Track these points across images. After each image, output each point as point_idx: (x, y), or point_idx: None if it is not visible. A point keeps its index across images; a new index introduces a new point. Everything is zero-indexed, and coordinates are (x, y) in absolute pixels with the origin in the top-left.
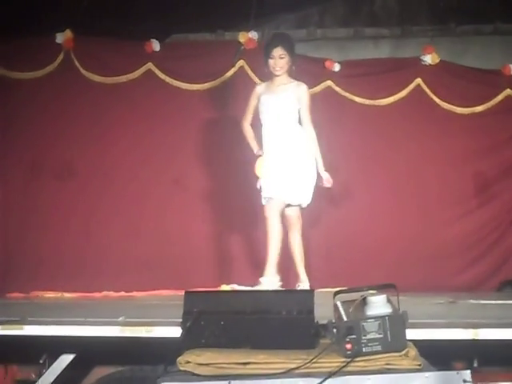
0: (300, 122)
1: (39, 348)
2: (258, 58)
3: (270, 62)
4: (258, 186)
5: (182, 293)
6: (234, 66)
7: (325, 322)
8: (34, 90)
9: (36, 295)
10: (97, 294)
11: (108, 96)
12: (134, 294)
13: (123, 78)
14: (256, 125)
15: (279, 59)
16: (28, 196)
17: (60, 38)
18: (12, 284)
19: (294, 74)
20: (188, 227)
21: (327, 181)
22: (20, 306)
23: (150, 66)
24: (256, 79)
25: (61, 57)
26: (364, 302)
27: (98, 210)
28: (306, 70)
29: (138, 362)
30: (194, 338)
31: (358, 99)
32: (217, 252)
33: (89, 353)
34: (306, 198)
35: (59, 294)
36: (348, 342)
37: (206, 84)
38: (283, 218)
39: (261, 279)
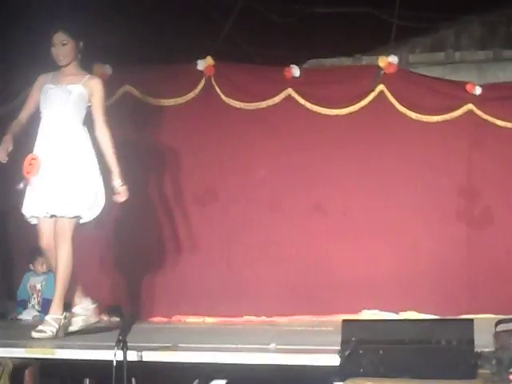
0: (84, 123)
1: (191, 374)
2: (398, 82)
3: (53, 50)
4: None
5: (323, 318)
6: (373, 90)
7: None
8: (175, 116)
9: (178, 320)
10: (238, 319)
11: (248, 122)
12: (275, 319)
13: (263, 104)
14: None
15: (61, 46)
16: (170, 222)
17: (201, 64)
18: (155, 309)
19: (85, 64)
20: (328, 252)
21: (120, 195)
22: (165, 331)
23: (289, 91)
24: (397, 104)
25: (202, 83)
26: None
27: (239, 235)
28: (445, 94)
29: None
30: (352, 367)
31: (499, 122)
32: (357, 277)
33: (240, 380)
34: (71, 210)
35: (201, 319)
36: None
37: (345, 109)
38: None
39: None
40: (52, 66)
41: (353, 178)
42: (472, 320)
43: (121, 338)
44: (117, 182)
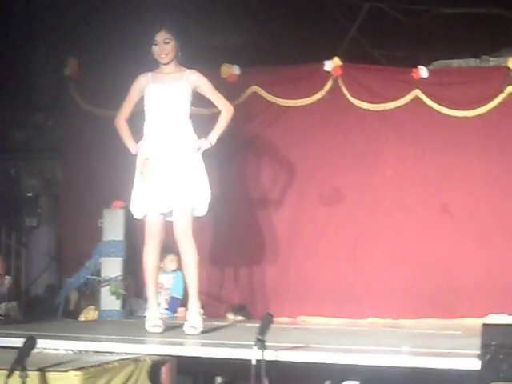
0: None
1: (322, 374)
2: None
3: (154, 48)
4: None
5: (449, 321)
6: (502, 91)
7: None
8: (302, 117)
9: (303, 320)
10: (363, 321)
11: (375, 123)
12: (401, 321)
13: (391, 105)
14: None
15: (164, 44)
16: (296, 221)
17: (328, 65)
18: (279, 309)
19: (183, 60)
20: (455, 254)
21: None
22: (292, 332)
23: (417, 92)
24: None
25: (329, 84)
26: None
27: (364, 236)
28: None
29: None
30: (492, 372)
31: None
32: (484, 280)
33: (373, 381)
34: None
35: (326, 320)
36: None
37: (474, 111)
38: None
39: None
40: (150, 65)
41: (480, 180)
42: None
43: (260, 337)
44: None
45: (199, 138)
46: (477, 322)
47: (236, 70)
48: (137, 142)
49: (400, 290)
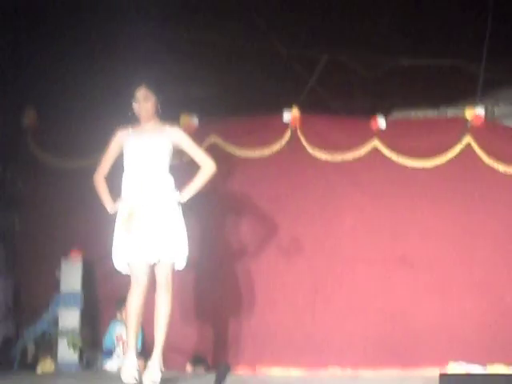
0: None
1: None
2: (485, 134)
3: (135, 105)
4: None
5: (409, 372)
6: (460, 142)
7: None
8: (260, 167)
9: (263, 372)
10: (323, 371)
11: (334, 173)
12: (360, 371)
13: (349, 156)
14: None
15: (144, 102)
16: (256, 272)
17: (287, 116)
18: (239, 359)
19: (160, 115)
20: (414, 304)
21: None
22: (250, 383)
23: (376, 143)
24: (484, 157)
25: (288, 135)
26: None
27: (323, 287)
28: None
29: None
30: None
31: None
32: (443, 329)
33: None
34: (176, 257)
35: (286, 370)
36: None
37: (432, 161)
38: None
39: None
40: (129, 120)
41: (439, 231)
42: None
43: None
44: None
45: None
46: (437, 373)
47: (194, 120)
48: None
49: (359, 339)
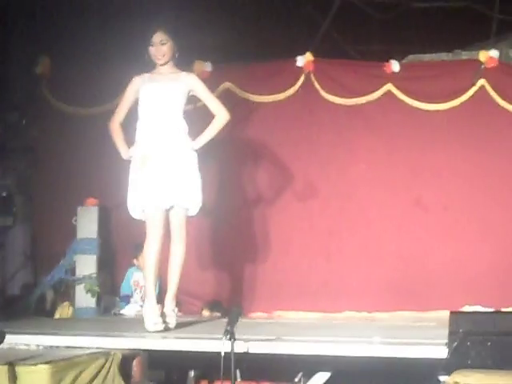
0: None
1: (295, 366)
2: (499, 76)
3: (151, 49)
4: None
5: (424, 314)
6: (474, 85)
7: None
8: (275, 112)
9: (279, 315)
10: (338, 315)
11: (348, 117)
12: (376, 314)
13: (363, 100)
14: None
15: (160, 45)
16: (270, 217)
17: (301, 61)
18: (255, 304)
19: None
20: (429, 248)
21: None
22: (267, 326)
23: (389, 86)
24: (499, 99)
25: (301, 80)
26: None
27: (338, 231)
28: None
29: (393, 381)
30: (460, 359)
31: None
32: (458, 273)
33: (344, 372)
34: (192, 203)
35: (302, 314)
36: None
37: (445, 104)
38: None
39: None
40: (146, 66)
41: (453, 174)
42: None
43: (229, 328)
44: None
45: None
46: None
47: (208, 66)
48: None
49: (375, 283)
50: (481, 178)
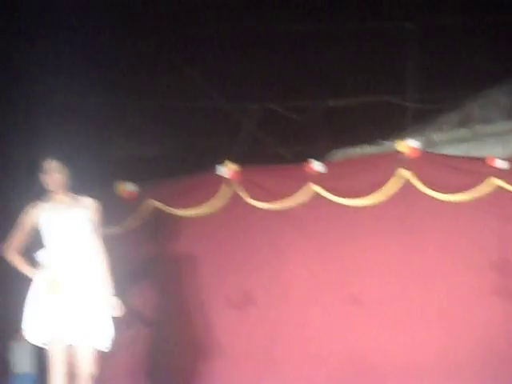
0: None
1: None
2: (420, 165)
3: (44, 176)
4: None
5: None
6: (396, 175)
7: None
8: (203, 225)
9: None
10: None
11: (276, 222)
12: None
13: (289, 202)
14: None
15: (54, 173)
16: (209, 328)
17: (223, 170)
18: None
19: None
20: (370, 342)
21: (117, 309)
22: None
23: (313, 186)
24: (422, 187)
25: (226, 189)
26: None
27: (279, 337)
28: (468, 171)
29: None
30: None
31: None
32: (400, 365)
33: None
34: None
35: None
36: None
37: (371, 199)
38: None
39: None
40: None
41: (384, 266)
42: None
43: None
44: (113, 297)
45: None
46: None
47: (130, 186)
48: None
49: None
50: (412, 269)
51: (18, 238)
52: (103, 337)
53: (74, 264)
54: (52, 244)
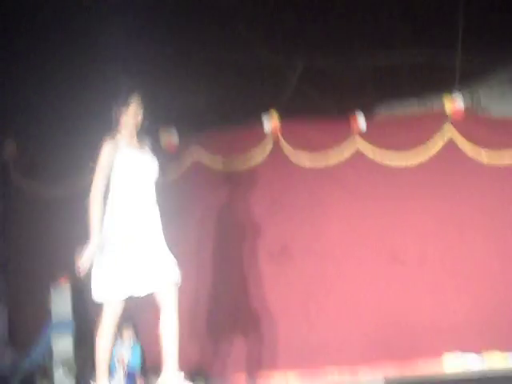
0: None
1: None
2: (467, 125)
3: (125, 116)
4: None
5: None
6: (442, 135)
7: None
8: (246, 180)
9: (260, 376)
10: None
11: (318, 177)
12: (359, 368)
13: (332, 160)
14: None
15: (135, 114)
16: (248, 281)
17: (267, 123)
18: (237, 368)
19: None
20: (406, 300)
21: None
22: None
23: (357, 143)
24: (467, 148)
25: (270, 143)
26: None
27: (315, 292)
28: None
29: None
30: None
31: None
32: (437, 322)
33: None
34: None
35: (284, 375)
36: None
37: (415, 157)
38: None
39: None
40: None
41: (427, 227)
42: None
43: None
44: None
45: None
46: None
47: (174, 135)
48: None
49: (356, 339)
50: (455, 229)
51: (102, 178)
52: (174, 273)
53: (144, 213)
54: (123, 188)
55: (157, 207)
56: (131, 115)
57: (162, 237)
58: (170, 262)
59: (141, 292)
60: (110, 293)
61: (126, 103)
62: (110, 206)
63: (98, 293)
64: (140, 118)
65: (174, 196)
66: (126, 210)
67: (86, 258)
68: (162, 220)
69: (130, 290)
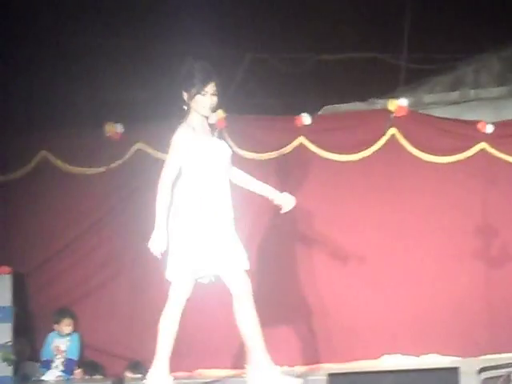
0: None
1: None
2: (409, 125)
3: (200, 98)
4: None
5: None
6: (384, 134)
7: None
8: None
9: (199, 373)
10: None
11: (261, 172)
12: (296, 368)
13: (275, 154)
14: None
15: (212, 96)
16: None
17: (213, 118)
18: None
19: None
20: (346, 299)
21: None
22: None
23: (301, 139)
24: (409, 146)
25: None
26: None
27: None
28: (457, 134)
29: None
30: None
31: None
32: (377, 322)
33: None
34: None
35: (222, 372)
36: None
37: (357, 154)
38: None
39: None
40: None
41: (369, 223)
42: (456, 369)
43: None
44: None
45: None
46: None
47: (119, 128)
48: None
49: (294, 337)
50: (395, 226)
51: (174, 169)
52: (243, 259)
53: (217, 199)
54: (197, 176)
55: (230, 194)
56: (205, 97)
57: (233, 224)
58: (240, 248)
59: (210, 273)
60: (181, 271)
61: (200, 87)
62: (184, 192)
63: (170, 271)
64: (215, 101)
65: None
66: (200, 196)
67: (157, 242)
68: None
69: (201, 271)
